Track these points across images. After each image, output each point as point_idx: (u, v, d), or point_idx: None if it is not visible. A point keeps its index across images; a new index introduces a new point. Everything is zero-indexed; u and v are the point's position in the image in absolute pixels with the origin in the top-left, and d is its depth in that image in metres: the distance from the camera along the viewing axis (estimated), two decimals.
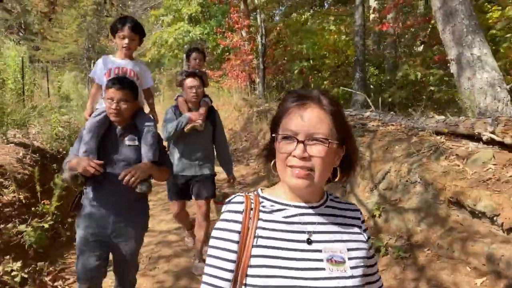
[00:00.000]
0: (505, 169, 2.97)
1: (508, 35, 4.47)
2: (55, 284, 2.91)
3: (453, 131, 3.75)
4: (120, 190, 2.17)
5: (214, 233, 0.98)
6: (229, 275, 0.94)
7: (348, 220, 1.04)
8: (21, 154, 4.38)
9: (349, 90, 6.19)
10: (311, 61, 7.67)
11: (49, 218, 3.54)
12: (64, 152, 5.45)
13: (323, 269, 0.92)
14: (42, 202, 3.71)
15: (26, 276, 2.72)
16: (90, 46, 31.16)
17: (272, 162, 1.00)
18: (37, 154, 4.69)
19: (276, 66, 10.65)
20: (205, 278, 0.97)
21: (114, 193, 2.19)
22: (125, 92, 2.18)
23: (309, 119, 0.93)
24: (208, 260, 0.97)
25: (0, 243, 2.85)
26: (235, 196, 1.01)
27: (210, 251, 0.97)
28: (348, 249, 0.98)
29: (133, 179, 2.11)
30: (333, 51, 7.13)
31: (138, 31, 2.78)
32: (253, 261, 0.92)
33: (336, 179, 1.01)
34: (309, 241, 0.95)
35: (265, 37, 10.12)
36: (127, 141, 2.26)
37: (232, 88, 12.26)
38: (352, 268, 0.95)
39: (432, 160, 3.53)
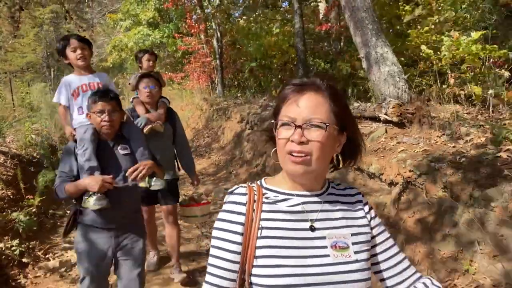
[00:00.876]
0: (391, 140, 3.95)
1: (409, 31, 5.46)
2: (47, 256, 3.62)
3: (362, 115, 4.72)
4: (122, 201, 2.20)
5: (217, 224, 0.98)
6: (233, 266, 0.95)
7: (350, 205, 1.04)
8: (2, 159, 4.98)
9: None
10: (260, 61, 8.56)
11: (34, 210, 4.22)
12: (38, 157, 6.06)
13: (328, 255, 0.94)
14: (27, 197, 4.38)
15: (23, 250, 3.43)
16: (48, 54, 30.71)
17: (273, 150, 1.01)
18: (15, 159, 5.29)
19: (234, 65, 11.47)
20: (209, 268, 0.97)
21: (116, 205, 2.17)
22: (113, 102, 2.22)
23: (307, 105, 0.93)
24: (212, 251, 0.98)
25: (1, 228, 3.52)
26: (237, 187, 1.02)
27: (214, 242, 0.97)
28: (352, 234, 0.99)
29: (140, 174, 2.18)
30: (278, 52, 8.05)
31: (85, 41, 2.70)
32: (259, 252, 0.93)
33: (341, 166, 1.02)
34: (312, 228, 0.96)
35: (220, 40, 10.89)
36: (120, 151, 2.27)
37: (194, 88, 12.99)
38: (356, 252, 0.96)
39: None
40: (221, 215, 0.98)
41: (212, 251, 0.97)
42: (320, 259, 0.93)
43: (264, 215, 0.96)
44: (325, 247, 0.95)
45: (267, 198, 0.99)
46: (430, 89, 4.63)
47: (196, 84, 12.98)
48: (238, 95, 9.03)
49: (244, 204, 0.97)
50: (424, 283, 1.02)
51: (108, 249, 2.22)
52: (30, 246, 3.63)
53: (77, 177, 2.18)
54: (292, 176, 0.99)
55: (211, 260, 0.97)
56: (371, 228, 1.03)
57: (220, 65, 11.00)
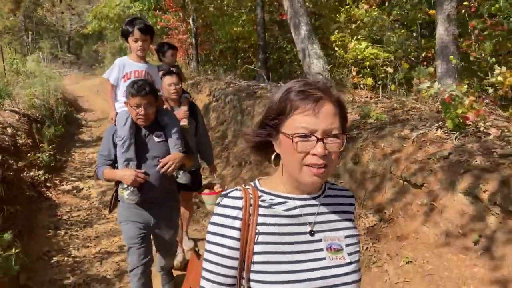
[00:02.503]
0: None
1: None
2: (61, 183, 5.24)
3: None
4: (156, 185, 2.39)
5: (212, 228, 0.95)
6: (229, 272, 0.93)
7: (345, 207, 1.05)
8: (16, 117, 6.43)
9: (253, 67, 8.68)
10: (227, 43, 10.06)
11: (47, 154, 5.76)
12: (40, 116, 7.47)
13: (324, 258, 0.94)
14: (40, 145, 5.91)
15: (46, 178, 5.03)
16: (26, 17, 30.69)
17: (274, 155, 0.98)
18: (25, 117, 6.74)
19: (209, 43, 12.87)
20: (205, 274, 0.95)
21: (151, 187, 2.37)
22: (149, 96, 2.32)
23: (325, 116, 0.90)
24: (207, 256, 0.95)
25: (26, 163, 5.07)
26: (232, 190, 0.98)
27: (210, 247, 0.95)
28: (345, 236, 1.00)
29: (170, 168, 2.37)
30: (243, 37, 9.56)
31: (148, 32, 2.82)
32: (256, 258, 0.91)
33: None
34: (311, 233, 0.96)
35: (196, 20, 12.22)
36: (155, 139, 2.42)
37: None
38: (349, 254, 0.98)
39: None
40: (216, 219, 0.96)
41: (208, 256, 0.94)
42: (317, 263, 0.93)
43: (260, 220, 0.94)
44: (321, 250, 0.95)
45: (263, 201, 0.96)
46: (343, 79, 6.35)
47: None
48: (209, 72, 10.54)
49: (240, 209, 0.94)
50: None
51: (148, 225, 2.47)
52: (50, 176, 5.22)
53: (114, 161, 2.41)
54: (305, 186, 0.97)
55: (207, 265, 0.95)
56: (357, 231, 1.04)
57: (195, 43, 12.37)
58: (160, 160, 2.36)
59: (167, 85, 3.20)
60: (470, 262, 2.87)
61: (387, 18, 6.15)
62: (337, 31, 6.95)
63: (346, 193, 1.08)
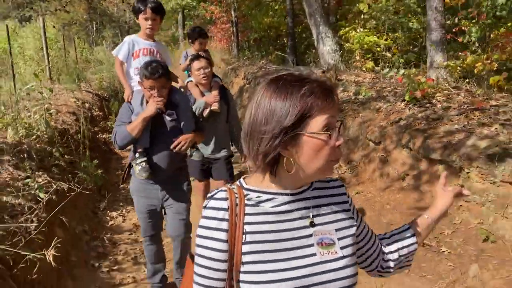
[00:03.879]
0: None
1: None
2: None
3: None
4: (167, 160, 2.46)
5: (200, 231, 0.95)
6: (221, 275, 0.93)
7: (335, 198, 1.02)
8: (91, 95, 8.30)
9: (282, 54, 9.89)
10: (260, 33, 11.32)
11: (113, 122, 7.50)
12: (107, 96, 9.33)
13: (314, 254, 0.92)
14: (109, 116, 7.69)
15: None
16: (92, 9, 33.86)
17: (286, 159, 0.90)
18: (97, 96, 8.61)
19: (246, 32, 14.23)
20: (196, 278, 0.95)
21: (162, 163, 2.46)
22: (162, 79, 2.34)
23: (336, 108, 0.92)
24: (198, 260, 0.95)
25: (100, 129, 6.82)
26: (217, 192, 0.96)
27: (199, 250, 0.95)
28: (337, 230, 0.97)
29: (184, 147, 2.43)
30: (273, 27, 10.76)
31: (159, 12, 2.87)
32: (245, 258, 0.90)
33: None
34: (312, 224, 0.95)
35: (236, 11, 13.61)
36: (167, 117, 2.46)
37: (217, 49, 15.91)
38: (342, 248, 0.95)
39: None
40: (202, 222, 0.94)
41: (198, 260, 0.95)
42: (307, 259, 0.91)
43: (247, 219, 0.92)
44: (312, 245, 0.92)
45: (249, 199, 0.94)
46: (349, 63, 7.42)
47: (218, 44, 15.87)
48: (245, 58, 11.91)
49: (226, 210, 0.92)
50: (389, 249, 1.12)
51: (156, 199, 2.56)
52: None
53: None
54: (319, 179, 0.98)
55: (197, 269, 0.95)
56: (355, 220, 1.02)
57: (236, 31, 13.77)
58: (173, 139, 2.42)
59: (196, 70, 3.20)
60: (400, 195, 4.04)
61: (391, 10, 7.08)
62: (347, 24, 7.98)
63: (334, 184, 1.05)
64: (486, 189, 3.15)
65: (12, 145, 3.71)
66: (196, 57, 3.27)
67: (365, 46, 6.75)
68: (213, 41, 16.51)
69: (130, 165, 2.55)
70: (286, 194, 0.95)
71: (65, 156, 4.21)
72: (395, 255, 1.12)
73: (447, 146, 3.65)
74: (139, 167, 2.39)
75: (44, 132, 4.20)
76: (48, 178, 3.49)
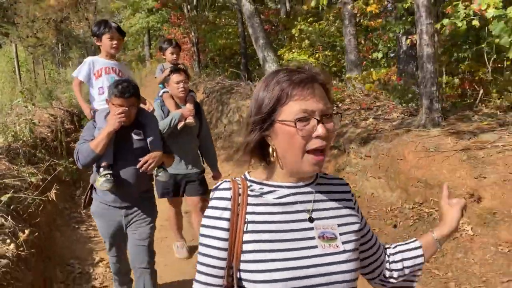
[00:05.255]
0: None
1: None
2: None
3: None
4: (132, 182, 2.39)
5: (203, 221, 0.98)
6: (221, 263, 0.94)
7: (339, 194, 1.04)
8: (62, 112, 9.23)
9: (236, 71, 11.25)
10: (216, 52, 12.69)
11: None
12: (77, 111, 10.26)
13: (316, 246, 0.94)
14: (80, 130, 8.66)
15: None
16: (58, 33, 34.35)
17: (271, 149, 0.95)
18: (68, 112, 9.54)
19: (205, 52, 15.54)
20: (198, 267, 0.98)
21: (128, 185, 2.38)
22: (132, 99, 2.32)
23: (319, 97, 0.91)
24: (200, 249, 0.97)
25: (71, 140, 7.78)
26: (221, 183, 0.99)
27: (201, 239, 0.97)
28: (339, 225, 0.99)
29: (150, 166, 2.38)
30: (227, 48, 12.16)
31: (122, 32, 2.95)
32: (245, 247, 0.92)
33: None
34: (311, 220, 0.96)
35: (196, 32, 14.91)
36: (134, 136, 2.42)
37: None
38: (344, 243, 0.96)
39: (244, 101, 8.70)
40: (206, 212, 0.98)
41: (200, 249, 0.97)
42: (309, 251, 0.93)
43: (250, 209, 0.95)
44: (313, 238, 0.94)
45: (252, 190, 0.97)
46: None
47: (182, 62, 17.09)
48: (205, 74, 13.18)
49: (229, 199, 0.95)
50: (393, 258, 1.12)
51: (119, 225, 2.46)
52: None
53: None
54: (305, 174, 0.97)
55: (199, 258, 0.97)
56: (359, 219, 1.04)
57: (197, 51, 15.04)
58: (140, 159, 2.37)
59: (175, 83, 3.17)
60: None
61: (318, 33, 8.57)
62: (285, 46, 9.44)
63: (339, 181, 1.07)
64: (357, 163, 4.47)
65: (4, 148, 4.72)
66: (176, 70, 3.27)
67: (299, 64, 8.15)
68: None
69: (92, 188, 2.49)
70: (288, 187, 0.97)
71: (46, 156, 5.23)
72: (399, 265, 1.11)
73: (338, 134, 4.98)
74: (103, 178, 2.29)
75: (29, 138, 5.21)
76: (35, 171, 4.51)
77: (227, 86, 10.79)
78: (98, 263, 3.39)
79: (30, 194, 3.70)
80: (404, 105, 5.11)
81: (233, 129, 8.55)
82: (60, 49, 33.32)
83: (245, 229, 0.93)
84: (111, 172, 2.32)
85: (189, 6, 14.13)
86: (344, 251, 0.96)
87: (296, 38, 8.67)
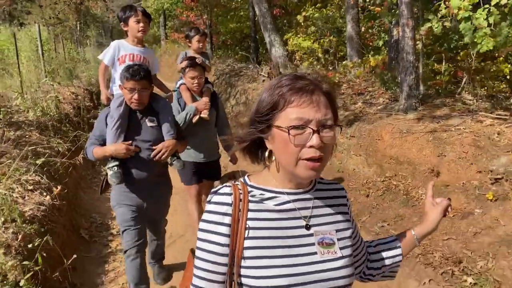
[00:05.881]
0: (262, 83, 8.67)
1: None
2: None
3: (262, 74, 9.41)
4: (147, 168, 2.43)
5: (202, 225, 0.96)
6: (220, 269, 0.94)
7: (336, 200, 1.05)
8: (82, 90, 9.93)
9: (246, 54, 11.67)
10: (227, 35, 13.13)
11: None
12: (95, 90, 10.96)
13: (315, 253, 0.94)
14: (98, 107, 9.35)
15: None
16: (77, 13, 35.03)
17: (267, 152, 0.97)
18: (87, 91, 10.24)
19: (217, 35, 15.98)
20: (196, 271, 0.97)
21: (142, 171, 2.42)
22: (144, 81, 2.33)
23: (318, 107, 0.90)
24: (198, 253, 0.96)
25: (90, 116, 8.48)
26: (222, 187, 0.99)
27: (200, 244, 0.96)
28: (337, 230, 1.00)
29: (164, 155, 2.41)
30: (238, 31, 12.56)
31: (148, 16, 2.85)
32: (246, 253, 0.92)
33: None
34: (307, 227, 0.97)
35: (210, 14, 15.32)
36: (148, 123, 2.43)
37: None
38: (341, 248, 0.98)
39: (250, 84, 9.23)
40: (205, 216, 0.96)
41: (199, 253, 0.96)
42: (309, 257, 0.94)
43: (250, 215, 0.95)
44: (313, 244, 0.95)
45: (253, 196, 0.97)
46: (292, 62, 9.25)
47: None
48: (217, 57, 13.68)
49: (230, 205, 0.95)
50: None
51: (139, 206, 2.52)
52: None
53: (105, 143, 2.40)
54: (301, 180, 0.97)
55: (198, 263, 0.96)
56: (352, 224, 1.06)
57: (209, 33, 15.47)
58: (154, 148, 2.41)
59: (189, 78, 3.20)
60: None
61: (323, 19, 8.94)
62: (292, 30, 9.84)
63: (336, 186, 1.08)
64: (343, 142, 5.00)
65: (34, 121, 5.40)
66: (193, 65, 3.22)
67: (303, 49, 8.58)
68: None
69: (107, 175, 2.46)
70: (288, 193, 0.98)
71: (70, 129, 5.91)
72: (379, 264, 1.15)
73: None
74: (110, 172, 2.33)
75: (55, 113, 5.89)
76: (62, 142, 5.20)
77: (236, 69, 11.28)
78: (115, 218, 4.07)
79: (58, 160, 4.39)
80: (391, 91, 5.57)
81: (240, 109, 9.10)
82: (78, 28, 34.10)
83: (246, 235, 0.93)
84: (117, 163, 2.34)
85: None
86: (342, 257, 0.97)
87: (302, 24, 9.05)
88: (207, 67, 3.45)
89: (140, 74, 2.31)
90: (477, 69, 5.15)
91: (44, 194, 3.24)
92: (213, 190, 1.00)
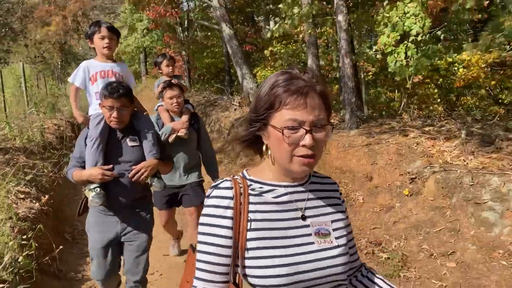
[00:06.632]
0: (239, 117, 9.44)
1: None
2: None
3: (234, 104, 10.21)
4: (126, 190, 2.31)
5: (204, 219, 0.99)
6: (224, 260, 0.97)
7: (330, 193, 1.11)
8: (64, 122, 10.47)
9: (221, 86, 12.61)
10: (203, 70, 14.11)
11: None
12: (76, 122, 11.49)
13: (312, 243, 0.99)
14: None
15: None
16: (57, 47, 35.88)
17: (264, 147, 1.02)
18: (68, 122, 10.79)
19: (195, 69, 16.95)
20: (200, 265, 0.99)
21: (121, 193, 2.31)
22: (123, 99, 2.24)
23: (312, 108, 0.94)
24: (201, 247, 0.99)
25: (71, 146, 8.99)
26: (222, 181, 1.02)
27: (203, 238, 0.98)
28: (332, 221, 1.05)
29: (143, 176, 2.28)
30: (213, 66, 13.57)
31: (115, 31, 2.71)
32: (249, 245, 0.96)
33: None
34: (303, 217, 1.01)
35: (187, 51, 16.31)
36: (129, 143, 2.34)
37: None
38: (337, 238, 1.03)
39: (223, 113, 9.99)
40: (207, 210, 0.99)
41: (202, 247, 0.98)
42: (307, 247, 0.98)
43: (251, 207, 0.98)
44: (310, 234, 1.00)
45: (252, 190, 1.01)
46: None
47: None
48: (195, 89, 14.54)
49: (231, 198, 0.98)
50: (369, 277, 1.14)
51: (115, 233, 2.36)
52: None
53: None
54: (296, 174, 1.01)
55: (201, 256, 0.99)
56: (346, 216, 1.11)
57: (187, 68, 16.42)
58: (133, 167, 2.31)
59: (168, 99, 3.21)
60: None
61: (288, 53, 9.95)
62: (262, 64, 10.82)
63: (329, 181, 1.14)
64: None
65: (21, 148, 5.94)
66: (169, 85, 3.25)
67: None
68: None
69: (86, 198, 2.37)
70: (285, 186, 1.03)
71: (54, 154, 6.45)
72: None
73: None
74: (93, 193, 2.24)
75: (40, 140, 6.45)
76: (46, 164, 5.73)
77: (211, 100, 12.10)
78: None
79: (44, 178, 4.92)
80: (340, 114, 6.40)
81: (214, 136, 9.80)
82: (59, 65, 34.78)
83: (248, 227, 0.97)
84: (98, 184, 2.24)
85: (181, 28, 15.60)
86: (338, 246, 1.02)
87: (269, 58, 10.01)
88: (184, 87, 3.49)
89: (118, 91, 2.24)
90: (410, 94, 6.05)
91: (34, 201, 3.78)
92: (213, 184, 1.03)
